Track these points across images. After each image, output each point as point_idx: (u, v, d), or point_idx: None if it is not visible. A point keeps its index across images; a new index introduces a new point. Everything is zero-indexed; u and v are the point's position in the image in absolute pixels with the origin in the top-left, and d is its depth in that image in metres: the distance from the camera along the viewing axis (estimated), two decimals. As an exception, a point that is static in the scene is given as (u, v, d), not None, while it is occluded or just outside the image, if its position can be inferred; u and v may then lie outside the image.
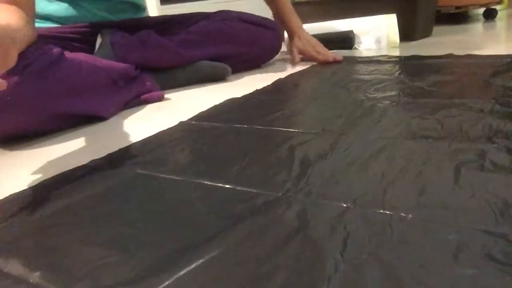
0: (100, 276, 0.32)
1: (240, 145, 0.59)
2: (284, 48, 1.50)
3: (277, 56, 1.31)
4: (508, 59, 0.95)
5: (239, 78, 1.11)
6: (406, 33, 1.43)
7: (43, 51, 0.71)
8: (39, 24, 0.95)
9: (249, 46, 1.14)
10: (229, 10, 1.22)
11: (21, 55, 0.68)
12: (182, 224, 0.39)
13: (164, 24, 1.11)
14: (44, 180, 0.53)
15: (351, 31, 1.42)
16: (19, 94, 0.66)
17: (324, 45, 1.45)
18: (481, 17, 1.99)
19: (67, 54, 0.78)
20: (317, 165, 0.49)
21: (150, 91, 0.97)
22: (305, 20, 1.54)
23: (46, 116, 0.72)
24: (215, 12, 1.18)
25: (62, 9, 0.98)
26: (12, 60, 0.55)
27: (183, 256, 0.34)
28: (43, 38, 0.85)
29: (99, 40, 0.97)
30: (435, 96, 0.72)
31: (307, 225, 0.36)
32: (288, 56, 1.47)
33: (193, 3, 1.99)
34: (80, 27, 0.98)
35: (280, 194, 0.42)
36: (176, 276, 0.31)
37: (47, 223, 0.41)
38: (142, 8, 1.16)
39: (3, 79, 0.64)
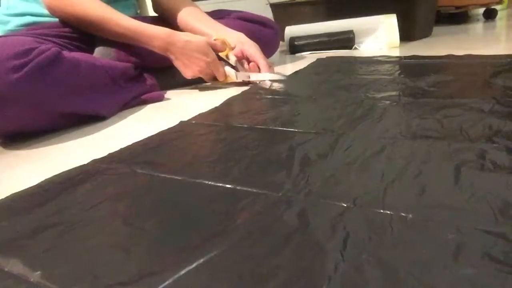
0: (100, 276, 0.32)
1: (240, 144, 0.59)
2: (283, 46, 1.50)
3: (276, 55, 1.32)
4: (508, 59, 0.95)
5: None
6: (406, 33, 1.43)
7: (41, 50, 0.71)
8: (39, 19, 0.95)
9: None
10: (226, 9, 1.23)
11: (20, 54, 0.68)
12: (182, 223, 0.39)
13: (163, 23, 1.11)
14: (46, 179, 0.53)
15: (351, 31, 1.42)
16: (18, 92, 0.66)
17: (324, 45, 1.45)
18: (481, 17, 1.99)
19: (66, 53, 0.78)
20: (317, 165, 0.49)
21: (150, 90, 0.97)
22: (305, 20, 1.54)
23: (45, 114, 0.72)
24: (212, 11, 1.18)
25: None
26: None
27: (183, 256, 0.34)
28: (43, 36, 0.85)
29: (99, 40, 0.97)
30: (435, 96, 0.72)
31: (307, 225, 0.36)
32: (288, 55, 1.47)
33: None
34: None
35: (280, 194, 0.42)
36: (176, 276, 0.31)
37: (47, 222, 0.41)
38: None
39: (2, 75, 0.65)
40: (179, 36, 0.95)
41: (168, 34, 0.94)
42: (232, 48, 1.03)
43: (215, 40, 1.01)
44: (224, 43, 1.02)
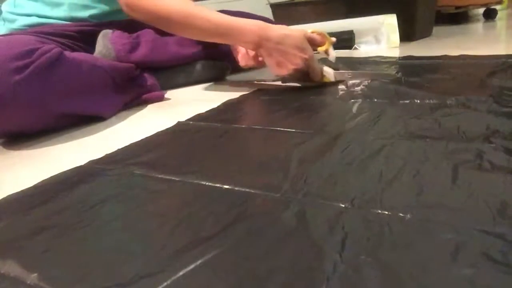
0: (99, 277, 0.32)
1: (238, 145, 0.59)
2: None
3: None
4: (504, 59, 0.95)
5: (239, 77, 1.11)
6: (406, 33, 1.43)
7: (43, 50, 0.71)
8: (45, 21, 0.95)
9: None
10: (227, 10, 1.23)
11: (22, 54, 0.68)
12: (180, 224, 0.39)
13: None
14: (44, 180, 0.53)
15: (351, 31, 1.42)
16: (20, 93, 0.66)
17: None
18: (481, 17, 2.00)
19: (67, 53, 0.78)
20: (315, 165, 0.49)
21: (150, 90, 0.97)
22: (305, 20, 1.54)
23: (46, 115, 0.72)
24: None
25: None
26: None
27: (182, 257, 0.34)
28: (46, 35, 0.85)
29: (99, 40, 0.97)
30: (432, 96, 0.72)
31: (305, 225, 0.36)
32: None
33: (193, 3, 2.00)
34: (81, 27, 0.98)
35: (278, 194, 0.42)
36: (175, 277, 0.31)
37: (46, 223, 0.41)
38: None
39: (5, 76, 0.65)
40: (273, 29, 0.84)
41: (261, 27, 0.84)
42: (333, 42, 0.92)
43: (312, 32, 0.90)
44: (324, 36, 0.90)
